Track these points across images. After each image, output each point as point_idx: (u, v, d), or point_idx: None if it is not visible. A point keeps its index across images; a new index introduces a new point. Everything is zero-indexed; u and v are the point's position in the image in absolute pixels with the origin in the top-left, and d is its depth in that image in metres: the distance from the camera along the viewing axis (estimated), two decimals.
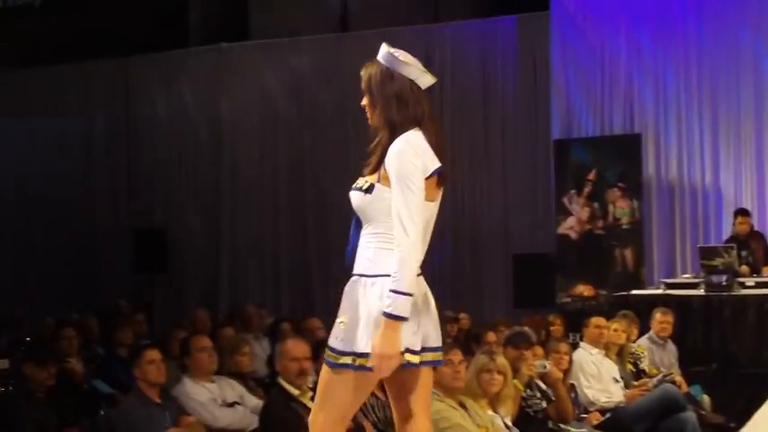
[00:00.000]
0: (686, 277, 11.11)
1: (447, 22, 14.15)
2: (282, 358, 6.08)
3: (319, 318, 9.63)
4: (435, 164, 3.66)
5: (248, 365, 7.44)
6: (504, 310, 12.30)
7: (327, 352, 3.74)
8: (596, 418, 7.68)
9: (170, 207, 15.16)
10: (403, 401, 3.83)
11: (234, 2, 15.27)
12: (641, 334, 9.33)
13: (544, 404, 6.91)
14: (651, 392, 8.03)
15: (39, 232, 15.97)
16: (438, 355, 3.78)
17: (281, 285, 14.60)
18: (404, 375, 3.73)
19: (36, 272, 15.86)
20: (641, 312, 9.60)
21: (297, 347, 6.08)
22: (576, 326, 9.56)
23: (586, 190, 12.55)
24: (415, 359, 3.64)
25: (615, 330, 8.57)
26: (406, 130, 3.68)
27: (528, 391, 6.80)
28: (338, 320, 3.72)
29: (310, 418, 3.81)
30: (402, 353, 3.59)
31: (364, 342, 3.61)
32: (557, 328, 9.67)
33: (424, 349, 3.68)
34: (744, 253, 10.77)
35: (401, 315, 3.52)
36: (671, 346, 9.39)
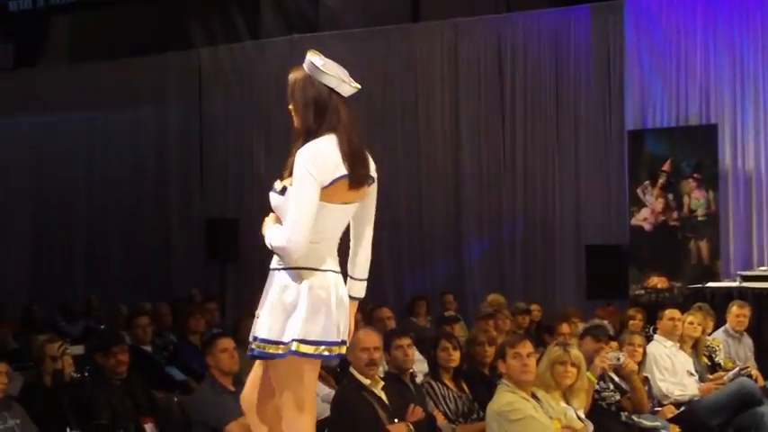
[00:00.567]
0: (763, 270, 10.93)
1: (518, 11, 14.04)
2: (354, 348, 6.09)
3: (389, 308, 9.64)
4: (339, 171, 3.79)
5: None
6: (576, 302, 12.19)
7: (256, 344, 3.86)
8: (671, 412, 7.58)
9: (242, 197, 15.27)
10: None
11: None
12: (717, 327, 9.18)
13: (617, 396, 6.85)
14: (726, 386, 7.91)
15: (113, 222, 16.23)
16: (322, 350, 3.82)
17: None
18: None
19: (110, 261, 16.12)
20: (717, 305, 9.47)
21: (367, 337, 6.11)
22: (649, 318, 9.46)
23: (661, 181, 12.38)
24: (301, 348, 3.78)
25: (690, 323, 8.45)
26: (321, 136, 3.83)
27: (601, 383, 6.74)
28: (257, 312, 3.92)
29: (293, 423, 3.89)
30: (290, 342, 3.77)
31: (275, 330, 3.79)
32: (636, 322, 9.51)
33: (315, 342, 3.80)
34: None
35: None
36: (747, 340, 9.24)
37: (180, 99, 16.05)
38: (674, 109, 12.73)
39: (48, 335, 8.00)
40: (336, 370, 7.63)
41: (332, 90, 3.90)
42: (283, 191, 3.84)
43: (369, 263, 4.08)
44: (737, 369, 8.37)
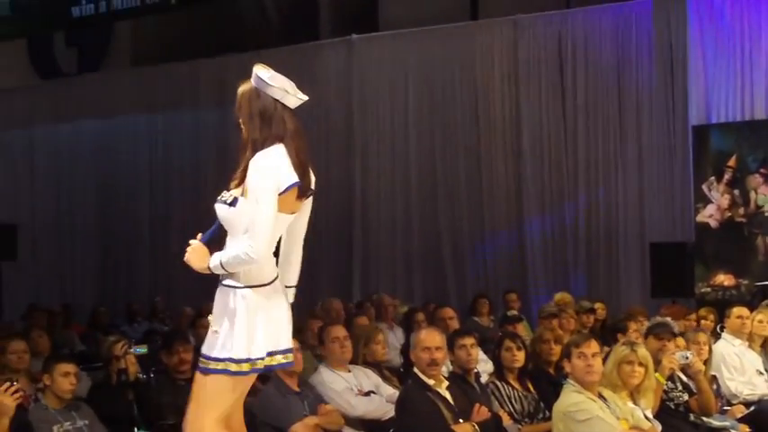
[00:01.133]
0: None
1: (579, 6, 13.91)
2: (416, 348, 6.12)
3: (452, 308, 9.62)
4: (292, 179, 3.87)
5: (382, 354, 7.45)
6: (641, 300, 12.04)
7: (201, 360, 3.98)
8: (740, 411, 7.48)
9: None
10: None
11: None
12: None
13: (686, 397, 6.76)
14: None
15: (177, 224, 16.36)
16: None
17: (413, 273, 14.58)
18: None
19: (174, 262, 16.24)
20: None
21: (430, 337, 6.12)
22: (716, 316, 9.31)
23: (726, 177, 12.19)
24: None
25: (760, 321, 8.31)
26: (269, 146, 3.92)
27: (669, 383, 6.64)
28: (211, 329, 3.97)
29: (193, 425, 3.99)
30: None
31: (236, 348, 3.87)
32: (708, 323, 9.34)
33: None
34: None
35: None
36: None
37: None
38: (740, 103, 12.51)
39: (114, 336, 8.07)
40: (399, 370, 7.63)
41: (278, 101, 4.02)
42: (234, 202, 3.91)
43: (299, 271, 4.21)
44: None
